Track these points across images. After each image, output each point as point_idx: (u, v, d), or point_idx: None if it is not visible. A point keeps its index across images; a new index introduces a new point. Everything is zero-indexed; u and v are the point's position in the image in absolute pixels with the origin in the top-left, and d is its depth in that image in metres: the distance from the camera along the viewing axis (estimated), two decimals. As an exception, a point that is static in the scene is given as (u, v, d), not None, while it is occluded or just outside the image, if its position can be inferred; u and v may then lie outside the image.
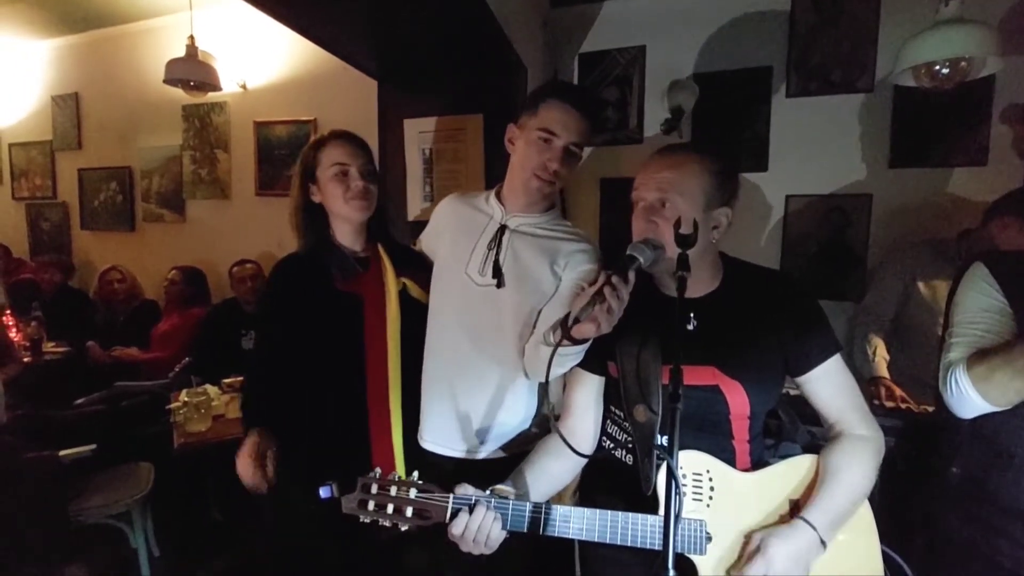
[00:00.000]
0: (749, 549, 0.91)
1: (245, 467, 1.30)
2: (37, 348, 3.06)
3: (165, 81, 2.75)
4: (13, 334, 2.97)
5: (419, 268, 1.43)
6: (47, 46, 4.00)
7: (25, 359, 2.92)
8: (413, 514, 0.95)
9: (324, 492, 0.98)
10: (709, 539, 0.95)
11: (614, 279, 0.89)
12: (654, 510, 0.95)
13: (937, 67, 1.67)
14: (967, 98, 2.04)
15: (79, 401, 2.63)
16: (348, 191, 1.34)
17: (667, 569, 0.63)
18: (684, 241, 0.90)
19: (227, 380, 2.53)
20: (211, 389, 2.32)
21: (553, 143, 1.22)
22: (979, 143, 2.14)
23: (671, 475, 0.69)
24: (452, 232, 1.39)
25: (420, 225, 2.29)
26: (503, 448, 1.31)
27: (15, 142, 4.23)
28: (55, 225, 4.16)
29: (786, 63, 2.38)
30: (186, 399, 2.15)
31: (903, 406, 1.79)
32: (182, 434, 2.08)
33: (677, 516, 0.66)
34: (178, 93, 3.01)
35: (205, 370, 2.67)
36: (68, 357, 3.16)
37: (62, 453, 1.97)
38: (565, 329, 0.98)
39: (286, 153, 3.26)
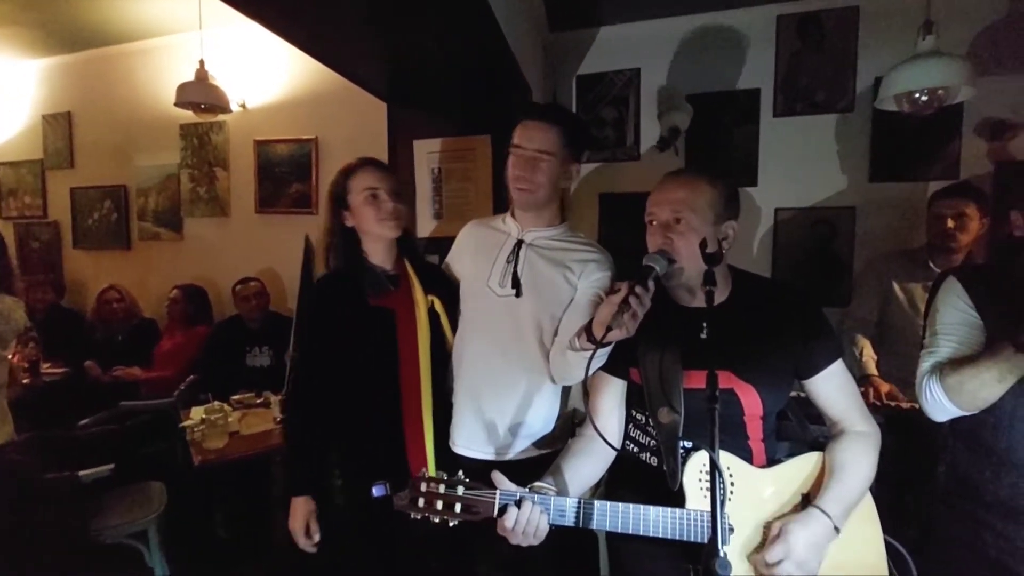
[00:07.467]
0: (771, 536, 1.00)
1: (297, 535, 1.40)
2: (35, 369, 3.02)
3: (176, 104, 2.77)
4: (11, 355, 2.94)
5: (443, 287, 1.51)
6: (37, 66, 3.97)
7: (24, 380, 2.89)
8: (462, 510, 1.01)
9: (377, 491, 1.02)
10: (732, 530, 1.03)
11: (637, 288, 0.98)
12: (679, 506, 1.03)
13: (916, 95, 1.82)
14: (939, 117, 2.18)
15: (85, 421, 2.61)
16: (380, 212, 1.42)
17: (717, 550, 0.72)
18: (711, 259, 1.00)
19: (236, 397, 2.55)
20: (225, 406, 2.33)
21: (521, 154, 1.35)
22: (951, 158, 2.31)
23: (714, 467, 0.78)
24: (473, 252, 1.50)
25: (429, 243, 2.38)
26: (529, 449, 1.40)
27: (3, 161, 4.16)
28: (45, 244, 4.11)
29: (773, 85, 2.53)
30: (204, 416, 2.16)
31: (891, 403, 1.89)
32: (200, 451, 2.08)
33: (723, 503, 0.75)
34: (174, 112, 3.01)
35: (211, 387, 2.68)
36: (66, 377, 3.13)
37: (82, 473, 1.97)
38: (591, 336, 1.07)
39: (287, 171, 3.30)
